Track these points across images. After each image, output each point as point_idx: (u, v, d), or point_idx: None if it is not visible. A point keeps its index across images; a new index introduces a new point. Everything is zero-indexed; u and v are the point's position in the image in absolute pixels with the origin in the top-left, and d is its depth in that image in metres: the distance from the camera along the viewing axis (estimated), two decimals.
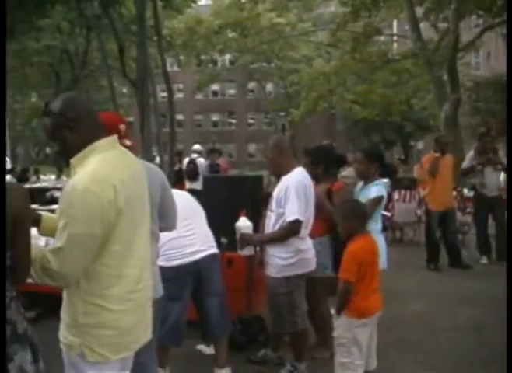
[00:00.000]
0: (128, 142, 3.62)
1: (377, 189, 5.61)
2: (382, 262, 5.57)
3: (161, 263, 4.70)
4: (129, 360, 3.05)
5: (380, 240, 5.61)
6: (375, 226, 5.55)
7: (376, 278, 4.54)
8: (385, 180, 6.95)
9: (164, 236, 4.17)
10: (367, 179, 5.74)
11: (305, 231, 5.12)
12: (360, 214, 4.58)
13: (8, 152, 16.46)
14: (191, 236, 4.95)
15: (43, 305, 6.34)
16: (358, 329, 4.38)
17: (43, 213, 3.20)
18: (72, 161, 2.86)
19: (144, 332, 3.10)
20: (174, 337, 4.93)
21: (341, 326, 4.42)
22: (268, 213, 5.26)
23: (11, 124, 20.04)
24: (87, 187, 2.67)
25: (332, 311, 4.73)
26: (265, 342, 5.86)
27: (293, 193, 4.94)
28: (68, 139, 2.85)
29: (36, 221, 3.07)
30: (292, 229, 4.98)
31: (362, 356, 4.41)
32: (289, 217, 4.94)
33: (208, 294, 5.02)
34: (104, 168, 2.79)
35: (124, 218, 2.79)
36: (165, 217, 3.93)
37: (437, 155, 9.87)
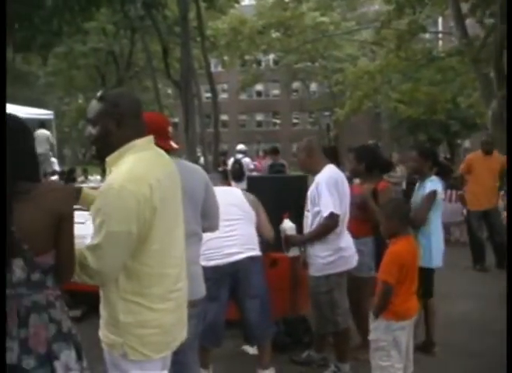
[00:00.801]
0: (174, 144, 3.64)
1: (432, 184, 5.68)
2: (438, 261, 5.56)
3: (201, 262, 4.76)
4: (168, 359, 3.08)
5: (439, 239, 5.60)
6: (434, 224, 5.58)
7: (415, 281, 4.48)
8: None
9: (204, 236, 4.18)
10: (422, 176, 5.83)
11: (342, 227, 5.10)
12: (403, 215, 4.53)
13: (55, 153, 16.72)
14: (231, 237, 4.94)
15: (88, 304, 6.41)
16: (397, 331, 4.32)
17: (84, 188, 3.31)
18: (108, 160, 2.89)
19: (182, 331, 3.12)
20: (212, 337, 4.93)
21: (380, 329, 4.37)
22: (306, 213, 5.28)
23: (58, 126, 20.30)
24: (123, 185, 2.69)
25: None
26: (309, 343, 5.85)
27: (325, 189, 4.99)
28: (112, 132, 2.88)
29: (77, 193, 3.16)
30: (329, 224, 5.00)
31: (402, 359, 4.36)
32: (324, 213, 4.97)
33: (247, 295, 4.99)
34: (140, 167, 2.81)
35: (160, 218, 2.81)
36: (208, 218, 3.93)
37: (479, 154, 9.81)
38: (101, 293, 2.95)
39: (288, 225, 5.40)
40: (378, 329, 4.39)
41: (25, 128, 2.73)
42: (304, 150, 5.35)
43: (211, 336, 4.86)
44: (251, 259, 4.98)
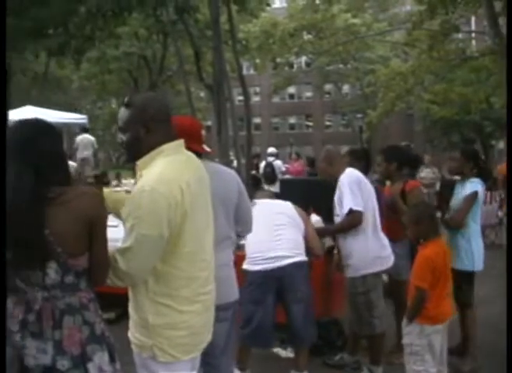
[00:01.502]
0: (207, 148, 3.66)
1: (472, 185, 5.58)
2: (479, 264, 5.50)
3: (245, 266, 4.79)
4: (197, 360, 3.10)
5: (479, 242, 5.55)
6: (474, 227, 5.52)
7: (448, 283, 4.44)
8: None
9: (250, 240, 4.18)
10: (463, 177, 5.73)
11: (372, 226, 5.11)
12: (430, 218, 4.49)
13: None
14: (278, 242, 4.93)
15: (121, 307, 6.44)
16: (432, 335, 4.29)
17: (105, 189, 3.35)
18: (139, 164, 2.92)
19: (209, 333, 3.13)
20: (259, 340, 4.97)
21: (414, 333, 4.34)
22: (335, 218, 5.30)
23: (91, 130, 20.53)
24: (154, 188, 2.71)
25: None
26: (342, 346, 5.82)
27: (346, 188, 5.06)
28: (140, 136, 2.89)
29: None
30: (350, 220, 5.06)
31: (436, 363, 4.32)
32: (345, 210, 5.05)
33: (293, 300, 4.97)
34: (171, 170, 2.82)
35: (190, 221, 2.83)
36: (241, 222, 3.92)
37: None
38: (131, 295, 2.98)
39: (314, 219, 5.48)
40: (412, 334, 4.37)
41: (53, 132, 2.77)
42: (324, 160, 5.48)
43: (257, 338, 4.92)
44: (298, 264, 4.96)
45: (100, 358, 2.70)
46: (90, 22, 13.68)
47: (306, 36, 32.75)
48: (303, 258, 5.04)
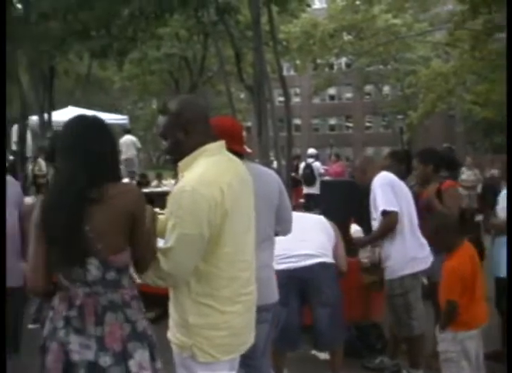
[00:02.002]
0: (248, 149, 3.67)
1: None
2: None
3: None
4: (236, 361, 3.10)
5: None
6: None
7: (480, 286, 4.38)
8: None
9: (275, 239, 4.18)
10: None
11: (409, 227, 5.10)
12: (451, 228, 4.44)
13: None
14: (303, 242, 4.93)
15: (162, 306, 6.49)
16: (466, 341, 4.24)
17: (161, 216, 3.30)
18: (180, 164, 2.94)
19: (250, 335, 3.13)
20: (286, 341, 4.90)
21: (447, 340, 4.30)
22: (372, 223, 5.28)
23: (132, 130, 20.78)
24: (195, 188, 2.73)
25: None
26: (382, 349, 5.79)
27: (378, 190, 5.08)
28: (180, 140, 2.92)
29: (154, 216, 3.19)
30: (386, 222, 5.05)
31: (473, 369, 4.27)
32: (378, 212, 5.05)
33: (318, 303, 4.95)
34: (212, 171, 2.84)
35: (231, 221, 2.84)
36: (281, 221, 3.93)
37: None
38: (171, 295, 3.00)
39: (354, 229, 5.48)
40: (445, 340, 4.33)
41: (104, 130, 2.84)
42: (358, 169, 5.61)
43: (284, 339, 4.83)
44: (323, 265, 4.94)
45: (141, 355, 2.74)
46: (132, 24, 13.83)
47: (347, 37, 32.64)
48: (329, 259, 5.02)
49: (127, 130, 18.39)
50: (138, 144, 17.95)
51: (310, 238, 4.99)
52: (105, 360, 2.65)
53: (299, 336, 5.07)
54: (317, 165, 15.92)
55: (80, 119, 2.84)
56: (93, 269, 2.67)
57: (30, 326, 6.85)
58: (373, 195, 5.14)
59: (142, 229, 2.74)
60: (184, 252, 2.76)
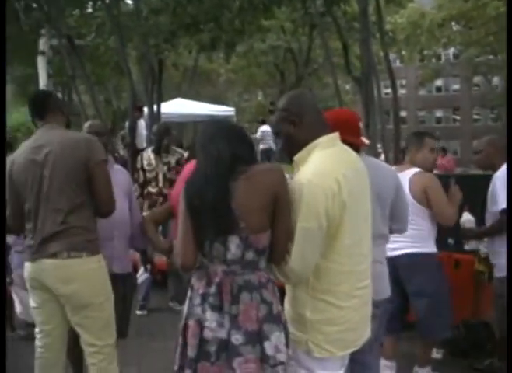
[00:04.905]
0: (365, 140, 3.63)
1: None
2: None
3: None
4: (347, 358, 3.08)
5: None
6: None
7: None
8: None
9: None
10: None
11: None
12: None
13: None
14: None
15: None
16: None
17: None
18: (295, 159, 2.95)
19: (366, 330, 3.11)
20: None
21: None
22: (486, 215, 5.08)
23: (238, 122, 21.11)
24: (311, 180, 2.74)
25: None
26: (493, 351, 5.61)
27: (500, 186, 4.80)
28: (292, 134, 2.94)
29: None
30: (503, 221, 4.78)
31: None
32: (498, 207, 4.82)
33: (412, 293, 4.86)
34: (327, 163, 2.84)
35: (349, 213, 2.81)
36: (396, 219, 3.86)
37: None
38: (288, 290, 3.01)
39: (466, 218, 5.27)
40: None
41: (242, 129, 3.01)
42: (489, 147, 5.17)
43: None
44: (410, 255, 4.81)
45: (277, 338, 2.76)
46: (240, 17, 13.98)
47: (455, 27, 31.82)
48: (419, 250, 4.84)
49: (263, 121, 18.62)
50: (271, 135, 18.13)
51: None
52: (237, 338, 2.70)
53: (399, 322, 5.00)
54: None
55: (229, 121, 3.04)
56: (234, 247, 2.72)
57: (138, 313, 7.07)
58: (494, 187, 4.90)
59: (284, 212, 2.75)
60: (305, 246, 2.76)
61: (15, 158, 3.82)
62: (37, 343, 3.96)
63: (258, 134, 17.49)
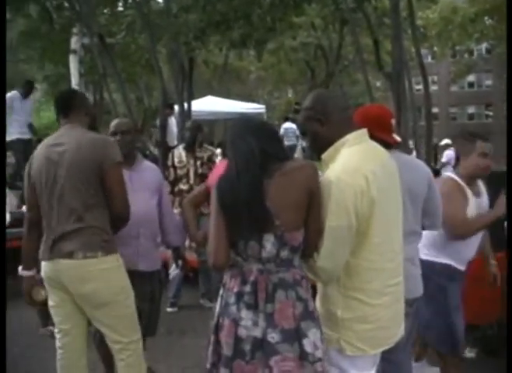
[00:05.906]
0: (397, 138, 3.58)
1: None
2: None
3: None
4: (378, 357, 3.05)
5: None
6: None
7: None
8: None
9: None
10: None
11: None
12: None
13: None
14: None
15: None
16: None
17: None
18: (324, 157, 2.94)
19: (399, 329, 3.07)
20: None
21: None
22: None
23: (268, 119, 21.13)
24: (339, 177, 2.72)
25: None
26: None
27: None
28: (318, 132, 2.94)
29: None
30: None
31: None
32: None
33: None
34: (355, 160, 2.81)
35: (379, 210, 2.78)
36: (428, 215, 3.78)
37: None
38: (319, 288, 3.00)
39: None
40: None
41: (272, 127, 3.03)
42: None
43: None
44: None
45: (315, 335, 2.75)
46: (271, 13, 13.97)
47: (488, 21, 31.41)
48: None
49: (286, 118, 18.62)
50: (297, 133, 18.08)
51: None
52: (273, 337, 2.68)
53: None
54: (449, 153, 15.47)
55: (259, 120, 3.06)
56: (269, 245, 2.70)
57: (169, 310, 7.09)
58: None
59: (317, 207, 2.74)
60: (334, 245, 2.75)
61: (36, 154, 3.85)
62: (57, 343, 3.96)
63: (281, 131, 17.50)
